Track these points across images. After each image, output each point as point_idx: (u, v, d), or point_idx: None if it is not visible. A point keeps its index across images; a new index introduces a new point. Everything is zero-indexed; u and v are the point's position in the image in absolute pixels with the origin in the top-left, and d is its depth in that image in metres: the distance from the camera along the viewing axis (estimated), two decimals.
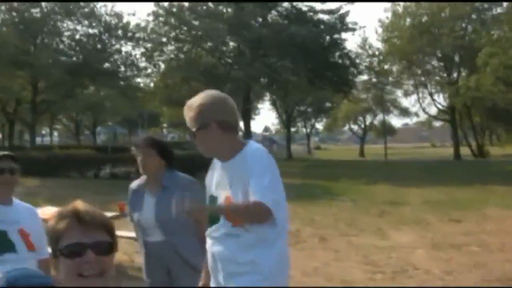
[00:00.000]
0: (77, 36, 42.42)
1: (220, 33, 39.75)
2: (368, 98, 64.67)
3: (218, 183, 3.33)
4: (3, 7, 38.28)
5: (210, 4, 40.91)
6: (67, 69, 38.29)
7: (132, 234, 5.09)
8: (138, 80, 47.56)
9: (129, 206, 4.55)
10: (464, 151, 53.75)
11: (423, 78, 55.43)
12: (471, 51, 41.91)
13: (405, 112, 70.35)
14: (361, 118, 72.50)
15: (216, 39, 40.99)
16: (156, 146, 4.36)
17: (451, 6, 46.09)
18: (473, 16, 48.00)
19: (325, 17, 42.00)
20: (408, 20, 48.89)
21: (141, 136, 4.69)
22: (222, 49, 43.14)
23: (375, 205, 16.56)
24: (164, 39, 42.85)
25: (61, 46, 41.97)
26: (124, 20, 42.86)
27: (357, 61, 46.07)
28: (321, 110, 68.83)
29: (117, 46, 43.39)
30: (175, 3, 40.61)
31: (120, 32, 42.51)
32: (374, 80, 54.12)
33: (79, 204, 1.89)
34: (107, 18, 41.98)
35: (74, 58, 41.50)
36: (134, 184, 4.57)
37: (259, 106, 71.24)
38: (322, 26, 41.29)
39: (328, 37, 41.70)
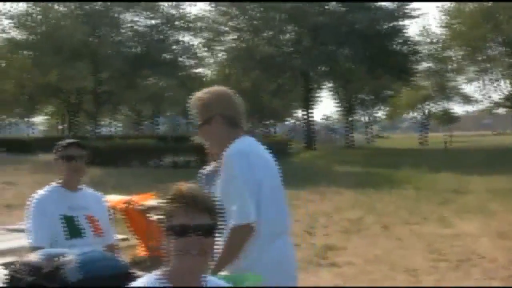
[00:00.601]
0: (138, 28, 42.93)
1: (278, 22, 39.74)
2: (429, 85, 63.63)
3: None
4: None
5: None
6: (128, 60, 38.92)
7: None
8: (198, 70, 47.96)
9: None
10: None
11: (486, 65, 54.16)
12: None
13: (466, 99, 69.00)
14: (421, 105, 71.40)
15: (275, 28, 40.99)
16: None
17: None
18: None
19: (384, 4, 41.54)
20: (471, 5, 47.81)
21: None
22: (280, 38, 43.07)
23: (437, 193, 16.39)
24: (223, 28, 43.05)
25: (122, 37, 42.54)
26: (184, 10, 43.21)
27: (418, 48, 45.42)
28: (381, 98, 68.05)
29: (177, 36, 43.76)
30: None
31: (180, 22, 42.83)
32: (435, 67, 53.22)
33: (186, 188, 2.08)
34: (167, 8, 42.36)
35: (135, 49, 42.03)
36: (206, 169, 4.66)
37: (320, 94, 70.94)
38: (381, 14, 40.82)
39: (387, 25, 41.24)
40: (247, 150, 3.27)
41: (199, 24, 42.93)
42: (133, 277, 2.31)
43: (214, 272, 2.94)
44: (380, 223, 11.64)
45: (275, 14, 39.10)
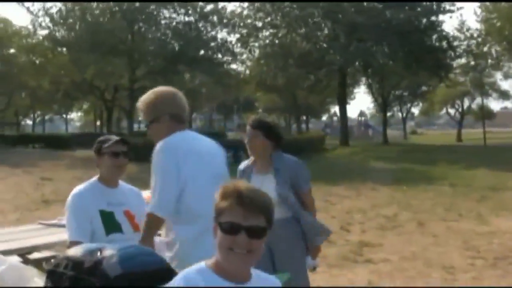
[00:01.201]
0: (174, 24, 43.11)
1: (315, 18, 39.58)
2: (466, 81, 62.83)
3: None
4: None
5: None
6: (165, 57, 39.15)
7: None
8: (233, 66, 48.01)
9: None
10: None
11: None
12: None
13: (504, 95, 68.05)
14: (458, 101, 70.52)
15: (311, 24, 40.84)
16: (262, 128, 4.48)
17: None
18: None
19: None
20: None
21: (251, 117, 4.77)
22: (317, 34, 42.88)
23: (474, 190, 16.25)
24: (259, 24, 43.02)
25: (159, 34, 42.76)
26: (220, 6, 43.24)
27: (455, 43, 44.86)
28: (417, 94, 67.37)
29: (213, 32, 43.86)
30: None
31: (215, 18, 42.93)
32: (472, 63, 52.53)
33: (242, 186, 2.07)
34: (202, 4, 42.42)
35: (171, 46, 42.23)
36: (243, 165, 4.73)
37: (355, 90, 70.59)
38: (418, 9, 40.35)
39: (424, 20, 40.78)
40: (176, 145, 3.49)
41: (233, 21, 42.94)
42: (171, 273, 2.32)
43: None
44: (416, 219, 11.61)
45: (313, 10, 38.90)
